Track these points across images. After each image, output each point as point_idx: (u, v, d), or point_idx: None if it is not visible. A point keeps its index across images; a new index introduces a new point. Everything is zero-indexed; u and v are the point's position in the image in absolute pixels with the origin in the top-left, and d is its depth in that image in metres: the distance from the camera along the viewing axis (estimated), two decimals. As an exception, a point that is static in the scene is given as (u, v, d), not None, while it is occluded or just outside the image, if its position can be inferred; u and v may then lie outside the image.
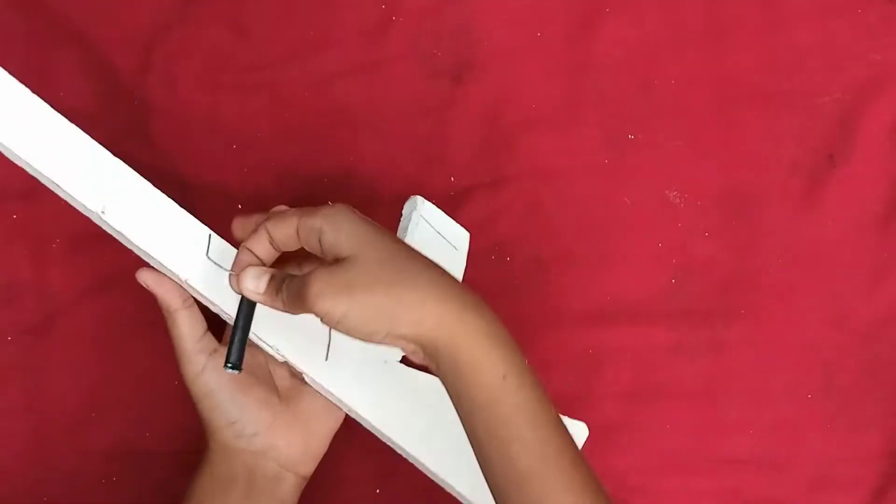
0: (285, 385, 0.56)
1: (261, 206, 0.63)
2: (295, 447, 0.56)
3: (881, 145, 0.64)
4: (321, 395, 0.55)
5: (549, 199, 0.64)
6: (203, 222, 0.63)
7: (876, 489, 0.62)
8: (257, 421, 0.55)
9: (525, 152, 0.64)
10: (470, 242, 0.63)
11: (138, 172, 0.63)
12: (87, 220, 0.63)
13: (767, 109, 0.65)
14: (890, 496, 0.62)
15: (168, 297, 0.53)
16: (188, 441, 0.62)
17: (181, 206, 0.64)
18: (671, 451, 0.62)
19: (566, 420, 0.52)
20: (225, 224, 0.63)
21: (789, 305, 0.63)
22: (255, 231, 0.50)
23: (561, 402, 0.62)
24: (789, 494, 0.62)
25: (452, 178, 0.64)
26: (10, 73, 0.64)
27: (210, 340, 0.54)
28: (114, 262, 0.63)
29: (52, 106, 0.63)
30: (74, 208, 0.63)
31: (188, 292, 0.52)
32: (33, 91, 0.64)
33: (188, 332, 0.53)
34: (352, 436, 0.62)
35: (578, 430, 0.58)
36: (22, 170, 0.63)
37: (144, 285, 0.53)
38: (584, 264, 0.63)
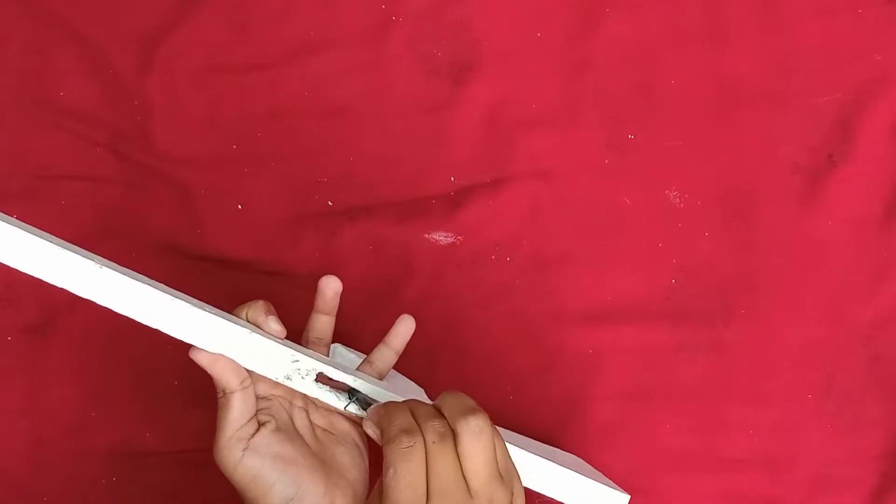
0: (314, 443, 0.53)
1: (261, 205, 0.63)
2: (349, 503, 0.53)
3: (881, 145, 0.64)
4: (347, 442, 0.53)
5: (549, 199, 0.64)
6: (203, 222, 0.63)
7: (876, 489, 0.62)
8: (314, 491, 0.51)
9: (525, 152, 0.64)
10: (470, 243, 0.64)
11: (139, 172, 0.64)
12: (88, 220, 0.63)
13: (767, 109, 0.65)
14: (890, 496, 0.62)
15: (225, 378, 0.48)
16: (188, 441, 0.62)
17: (181, 206, 0.64)
18: (671, 451, 0.62)
19: (606, 491, 0.52)
20: (225, 224, 0.63)
21: (789, 305, 0.63)
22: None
23: (561, 402, 0.62)
24: (789, 494, 0.62)
25: (452, 178, 0.64)
26: (10, 73, 0.64)
27: (252, 425, 0.50)
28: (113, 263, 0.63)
29: (52, 106, 0.64)
30: (74, 208, 0.63)
31: (245, 371, 0.49)
32: (34, 91, 0.64)
33: (237, 417, 0.49)
34: (352, 436, 0.62)
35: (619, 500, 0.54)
36: (22, 170, 0.64)
37: (199, 363, 0.48)
38: (584, 264, 0.63)
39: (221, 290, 0.60)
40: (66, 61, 0.64)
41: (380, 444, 0.46)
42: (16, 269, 0.62)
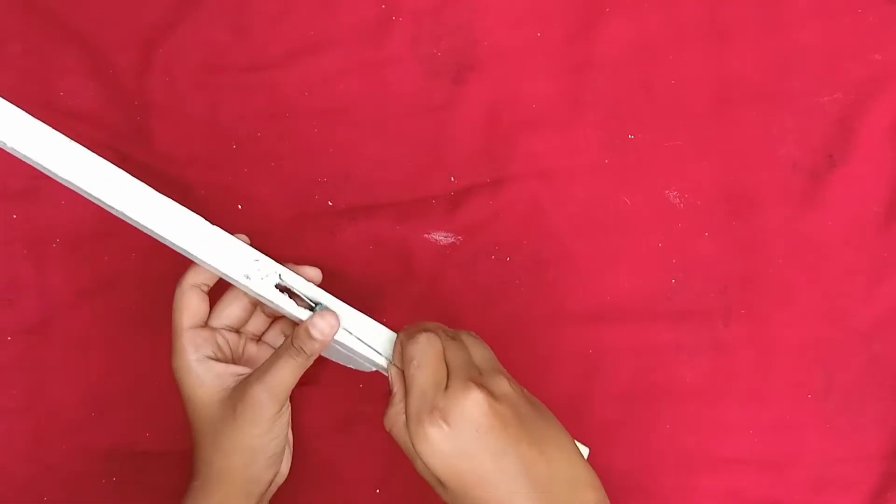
0: None
1: (261, 205, 0.63)
2: (288, 461, 0.58)
3: (881, 145, 0.64)
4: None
5: (549, 199, 0.64)
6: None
7: (876, 489, 0.62)
8: (287, 461, 0.57)
9: (525, 152, 0.64)
10: (470, 243, 0.64)
11: (139, 172, 0.64)
12: (87, 219, 0.63)
13: (767, 109, 0.65)
14: (890, 496, 0.62)
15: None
16: (188, 441, 0.61)
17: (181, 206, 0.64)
18: (671, 451, 0.62)
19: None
20: (225, 224, 0.63)
21: (789, 305, 0.63)
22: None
23: (561, 402, 0.62)
24: (789, 494, 0.62)
25: (452, 178, 0.64)
26: (10, 73, 0.64)
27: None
28: (114, 262, 0.63)
29: (52, 106, 0.64)
30: (74, 208, 0.63)
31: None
32: (34, 91, 0.64)
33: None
34: (351, 436, 0.62)
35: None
36: (22, 170, 0.64)
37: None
38: (584, 264, 0.63)
39: (222, 289, 0.60)
40: (66, 61, 0.64)
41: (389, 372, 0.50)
42: (16, 268, 0.62)
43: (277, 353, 0.51)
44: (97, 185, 0.49)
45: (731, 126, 0.64)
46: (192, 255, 0.50)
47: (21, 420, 0.62)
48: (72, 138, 0.49)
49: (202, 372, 0.52)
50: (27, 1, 0.64)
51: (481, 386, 0.46)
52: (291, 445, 0.58)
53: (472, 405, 0.45)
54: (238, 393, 0.51)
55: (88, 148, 0.64)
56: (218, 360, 0.54)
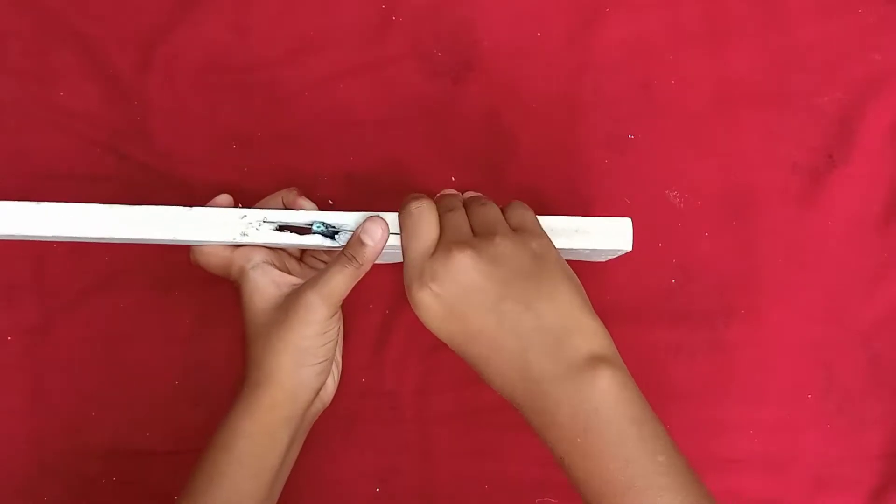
0: None
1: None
2: (335, 382, 0.59)
3: (881, 145, 0.64)
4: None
5: (550, 199, 0.64)
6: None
7: (876, 489, 0.62)
8: (335, 371, 0.59)
9: (525, 152, 0.64)
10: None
11: (139, 172, 0.64)
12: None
13: (767, 109, 0.65)
14: (890, 496, 0.62)
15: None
16: (188, 441, 0.62)
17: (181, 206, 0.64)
18: (671, 451, 0.62)
19: (608, 220, 0.53)
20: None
21: (789, 305, 0.63)
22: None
23: (561, 402, 0.62)
24: (789, 494, 0.62)
25: (453, 178, 0.64)
26: (11, 73, 0.64)
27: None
28: (114, 262, 0.63)
29: (52, 106, 0.64)
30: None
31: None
32: (34, 91, 0.64)
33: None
34: (351, 435, 0.62)
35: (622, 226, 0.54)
36: (22, 170, 0.64)
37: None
38: (583, 264, 0.63)
39: (223, 288, 0.60)
40: (66, 61, 0.64)
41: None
42: (16, 268, 0.62)
43: (331, 263, 0.52)
44: (70, 228, 0.51)
45: (731, 126, 0.64)
46: (185, 242, 0.53)
47: (21, 420, 0.62)
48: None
49: (258, 276, 0.54)
50: (27, 1, 0.64)
51: (466, 246, 0.47)
52: (340, 368, 0.59)
53: (455, 265, 0.47)
54: (292, 297, 0.53)
55: (87, 148, 0.64)
56: (275, 266, 0.55)
